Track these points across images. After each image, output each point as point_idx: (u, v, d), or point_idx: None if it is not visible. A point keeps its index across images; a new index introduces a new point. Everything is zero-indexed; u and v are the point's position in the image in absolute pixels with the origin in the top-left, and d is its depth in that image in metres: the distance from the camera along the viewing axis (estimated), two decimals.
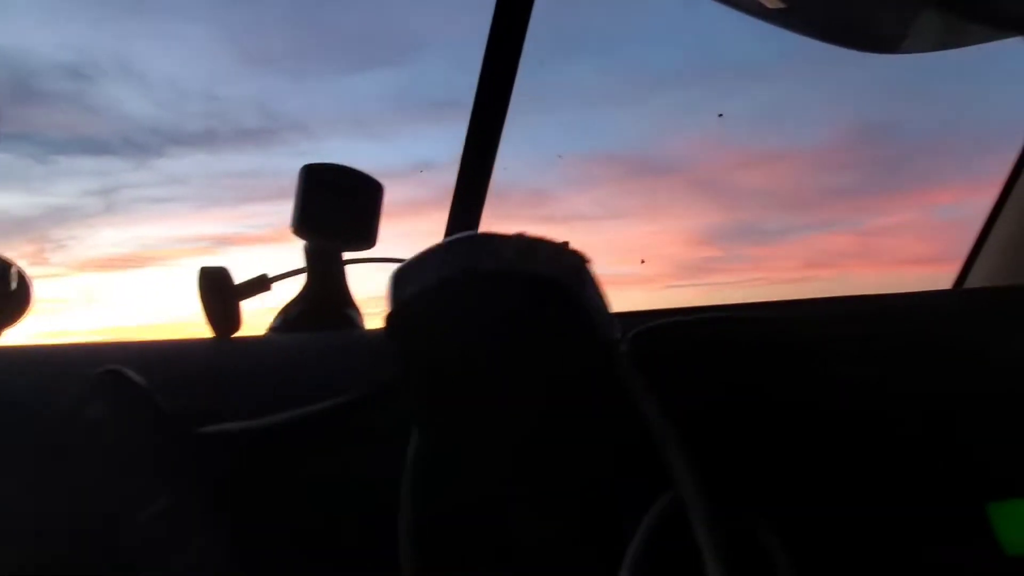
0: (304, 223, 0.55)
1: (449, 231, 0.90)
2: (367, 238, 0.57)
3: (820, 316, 0.49)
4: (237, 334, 0.52)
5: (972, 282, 0.89)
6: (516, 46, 0.86)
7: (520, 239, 0.27)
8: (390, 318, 0.28)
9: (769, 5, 0.99)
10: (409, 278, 0.28)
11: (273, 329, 0.56)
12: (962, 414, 0.40)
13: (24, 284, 0.55)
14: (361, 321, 0.59)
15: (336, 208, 0.55)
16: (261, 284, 0.54)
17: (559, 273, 0.27)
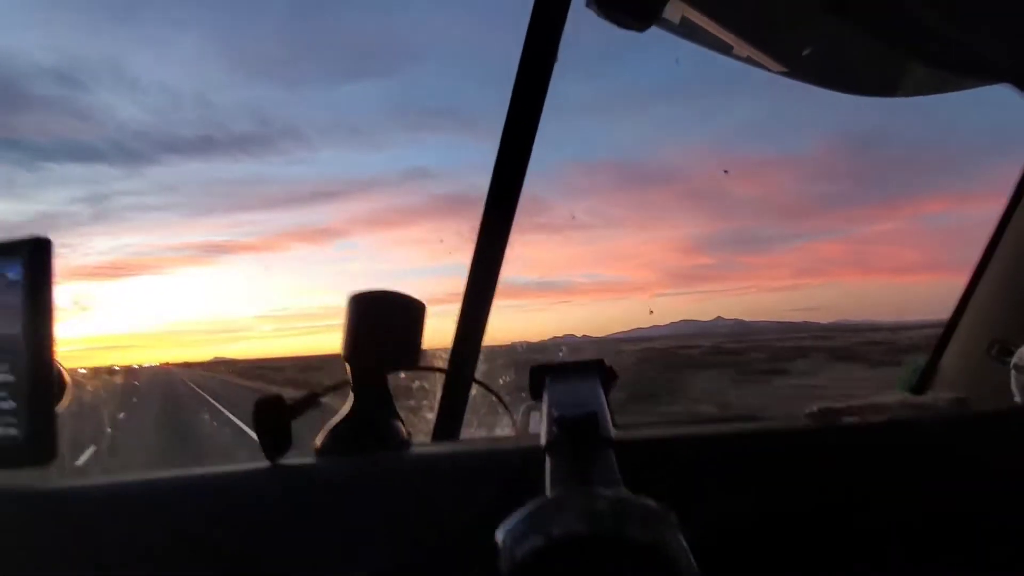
0: (355, 350, 0.59)
1: (479, 247, 0.95)
2: (412, 358, 0.60)
3: None
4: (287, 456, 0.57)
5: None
6: (546, 68, 0.92)
7: (617, 501, 0.31)
8: None
9: (774, 71, 1.04)
10: (517, 537, 0.31)
11: (322, 450, 0.59)
12: None
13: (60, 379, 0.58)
14: (404, 432, 0.62)
15: (383, 333, 0.59)
16: (310, 402, 0.60)
17: (656, 539, 0.30)
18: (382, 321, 0.59)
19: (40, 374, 0.52)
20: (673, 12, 0.97)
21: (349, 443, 0.60)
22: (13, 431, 0.52)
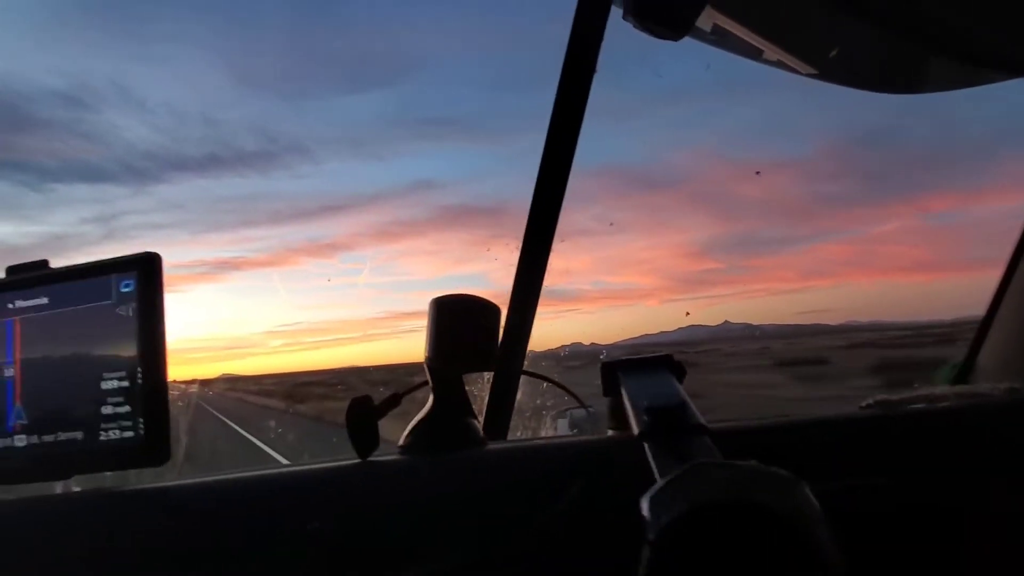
0: (438, 354, 0.62)
1: (522, 261, 0.98)
2: (488, 360, 0.63)
3: None
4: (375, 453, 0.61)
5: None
6: (586, 79, 0.95)
7: (755, 470, 0.33)
8: (653, 545, 0.33)
9: (803, 73, 1.07)
10: (663, 504, 0.33)
11: (406, 447, 0.63)
12: None
13: None
14: (479, 430, 0.65)
15: (462, 336, 0.62)
16: (394, 402, 0.64)
17: (795, 506, 0.32)
18: (461, 325, 0.62)
19: (154, 380, 0.55)
20: (705, 20, 1.00)
21: (431, 441, 0.64)
22: (130, 434, 0.55)
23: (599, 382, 0.65)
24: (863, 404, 0.74)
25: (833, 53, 1.09)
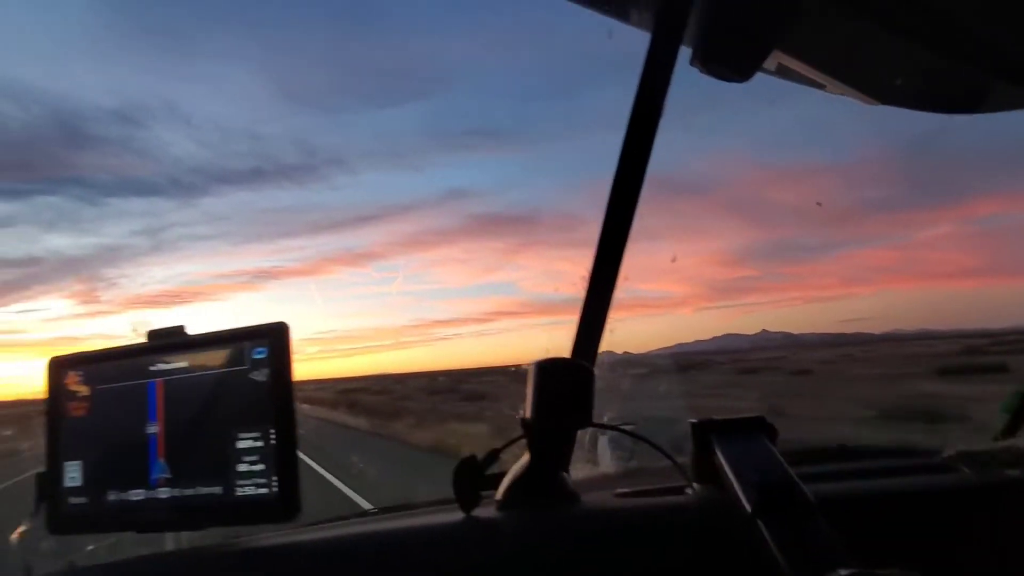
0: (540, 413, 0.65)
1: (591, 287, 1.01)
2: (583, 419, 0.66)
3: None
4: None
5: None
6: (654, 122, 0.98)
7: None
8: None
9: (865, 103, 1.08)
10: None
11: (504, 501, 0.66)
12: None
13: None
14: (571, 484, 0.68)
15: (562, 397, 0.65)
16: (493, 458, 0.68)
17: None
18: (560, 387, 0.65)
19: (286, 441, 0.60)
20: (770, 61, 1.02)
21: (528, 495, 0.67)
22: (264, 490, 0.60)
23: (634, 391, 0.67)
24: (945, 455, 0.74)
25: (897, 82, 1.10)
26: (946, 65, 1.04)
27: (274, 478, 0.60)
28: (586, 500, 0.67)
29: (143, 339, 0.67)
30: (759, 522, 0.47)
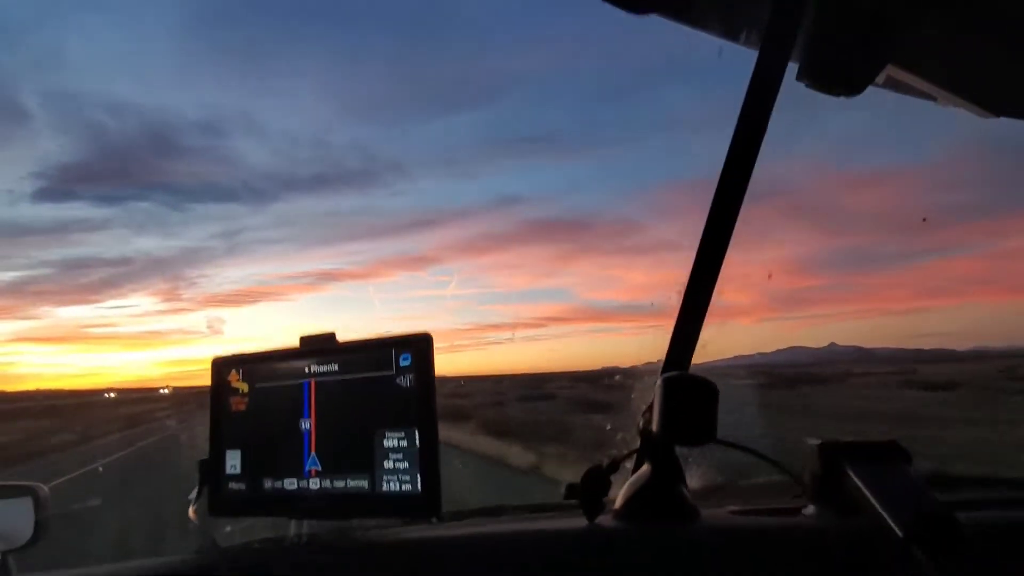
0: (664, 428, 0.67)
1: (688, 296, 1.02)
2: (706, 434, 0.67)
3: None
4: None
5: None
6: (758, 137, 0.98)
7: None
8: None
9: (979, 116, 1.04)
10: None
11: (622, 512, 0.69)
12: None
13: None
14: (690, 500, 0.70)
15: (687, 413, 0.67)
16: (614, 468, 0.71)
17: None
18: (685, 402, 0.67)
19: (429, 441, 0.65)
20: (880, 75, 1.00)
21: (647, 508, 0.69)
22: (408, 487, 0.65)
23: None
24: None
25: (1012, 95, 1.06)
26: None
27: (418, 475, 0.65)
28: (705, 516, 0.68)
29: (294, 344, 0.74)
30: (914, 549, 0.47)
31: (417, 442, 0.65)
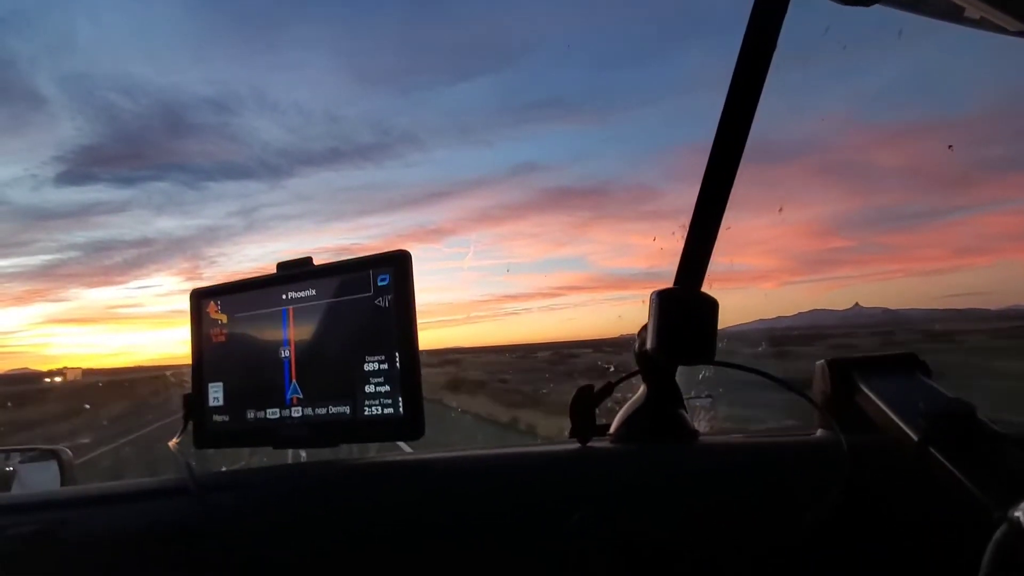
0: (660, 345, 0.62)
1: (699, 210, 0.98)
2: (706, 353, 0.62)
3: None
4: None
5: None
6: (767, 57, 0.92)
7: None
8: None
9: (1011, 32, 0.95)
10: None
11: (618, 435, 0.66)
12: None
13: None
14: (690, 421, 0.67)
15: (681, 329, 0.62)
16: (608, 391, 0.68)
17: None
18: (683, 318, 0.63)
19: (409, 363, 0.62)
20: None
21: (645, 431, 0.66)
22: (390, 410, 0.63)
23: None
24: None
25: None
26: None
27: (399, 399, 0.62)
28: (706, 438, 0.65)
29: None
30: (932, 451, 0.43)
31: (398, 365, 0.63)
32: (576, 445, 0.65)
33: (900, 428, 0.48)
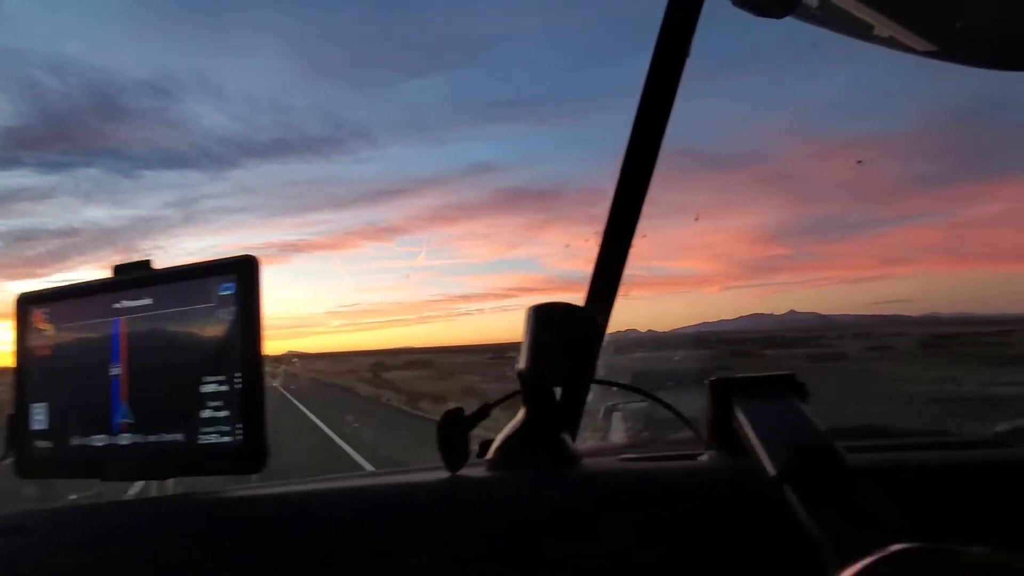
0: (534, 365, 0.57)
1: (608, 233, 0.93)
2: (586, 374, 0.59)
3: None
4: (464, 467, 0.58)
5: None
6: (679, 63, 0.89)
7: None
8: None
9: (919, 52, 0.96)
10: None
11: (495, 462, 0.60)
12: None
13: None
14: (571, 447, 0.61)
15: (561, 348, 0.58)
16: (484, 413, 0.61)
17: None
18: (560, 335, 0.58)
19: (252, 385, 0.55)
20: None
21: (522, 456, 0.60)
22: (228, 439, 0.55)
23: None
24: (997, 431, 0.67)
25: (959, 25, 0.98)
26: (1016, 13, 0.92)
27: (238, 426, 0.55)
28: (587, 463, 0.60)
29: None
30: (785, 488, 0.40)
31: (239, 387, 0.55)
32: (447, 474, 0.59)
33: (761, 458, 0.44)
